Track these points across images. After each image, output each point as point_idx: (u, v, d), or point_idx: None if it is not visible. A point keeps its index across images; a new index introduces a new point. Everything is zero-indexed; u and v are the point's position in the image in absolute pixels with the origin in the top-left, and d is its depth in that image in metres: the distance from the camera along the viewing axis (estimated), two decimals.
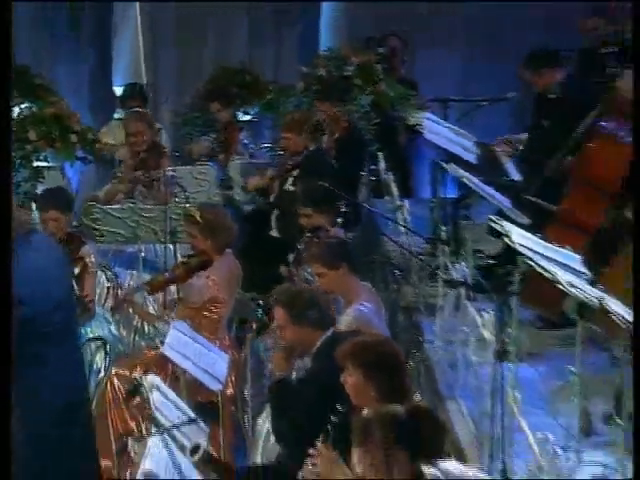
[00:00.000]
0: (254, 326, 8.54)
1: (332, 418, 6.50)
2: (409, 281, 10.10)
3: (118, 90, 14.03)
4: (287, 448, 7.38)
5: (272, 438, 7.95)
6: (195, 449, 6.54)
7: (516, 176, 10.18)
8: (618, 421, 6.80)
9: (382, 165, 11.35)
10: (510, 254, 9.13)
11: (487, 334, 7.80)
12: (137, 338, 10.09)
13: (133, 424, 8.64)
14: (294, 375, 7.68)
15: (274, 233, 10.54)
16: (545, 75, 10.36)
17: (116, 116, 13.09)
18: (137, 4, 14.41)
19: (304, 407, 7.11)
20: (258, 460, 7.92)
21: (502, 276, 8.66)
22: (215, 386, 7.68)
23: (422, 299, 9.80)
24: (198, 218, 9.21)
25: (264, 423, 8.11)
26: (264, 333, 8.79)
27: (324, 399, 6.77)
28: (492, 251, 10.11)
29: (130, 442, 7.68)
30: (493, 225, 7.52)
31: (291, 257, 9.64)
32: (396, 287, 10.26)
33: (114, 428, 8.65)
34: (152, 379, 7.46)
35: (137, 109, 11.99)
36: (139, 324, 9.91)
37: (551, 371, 8.29)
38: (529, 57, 10.61)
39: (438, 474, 5.47)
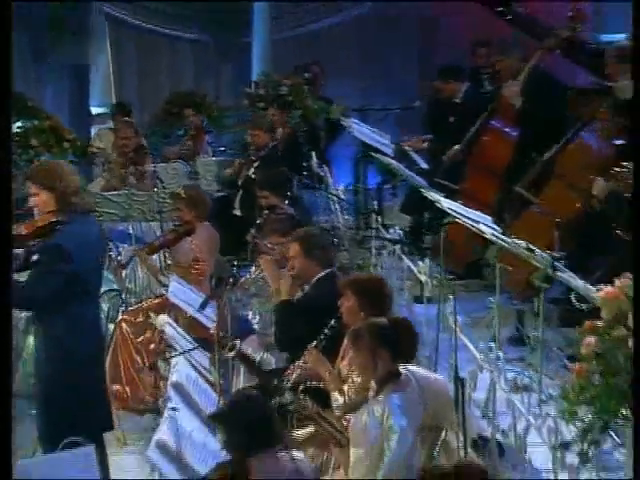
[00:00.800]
0: (230, 281, 8.80)
1: (326, 331, 6.74)
2: (341, 248, 10.16)
3: (94, 109, 14.30)
4: (289, 354, 7.49)
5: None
6: (232, 347, 6.94)
7: (424, 165, 10.35)
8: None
9: (314, 161, 11.47)
10: (426, 223, 9.66)
11: (423, 277, 8.33)
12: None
13: (138, 358, 8.81)
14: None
15: (237, 212, 10.71)
16: (451, 85, 10.75)
17: (106, 126, 13.13)
18: (108, 42, 14.55)
19: (303, 323, 7.23)
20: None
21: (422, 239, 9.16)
22: (210, 324, 7.76)
23: (354, 261, 10.07)
24: (183, 194, 9.61)
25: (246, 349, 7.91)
26: (236, 288, 9.14)
27: (320, 317, 6.92)
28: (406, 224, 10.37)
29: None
30: (427, 195, 8.19)
31: (253, 230, 9.56)
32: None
33: (123, 361, 8.80)
34: (163, 317, 7.86)
35: (126, 119, 12.19)
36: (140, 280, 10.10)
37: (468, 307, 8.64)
38: (441, 70, 11.06)
39: (408, 374, 5.95)
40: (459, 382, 5.91)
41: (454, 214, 7.67)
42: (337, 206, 10.63)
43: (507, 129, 9.46)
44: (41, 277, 6.41)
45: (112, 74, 14.61)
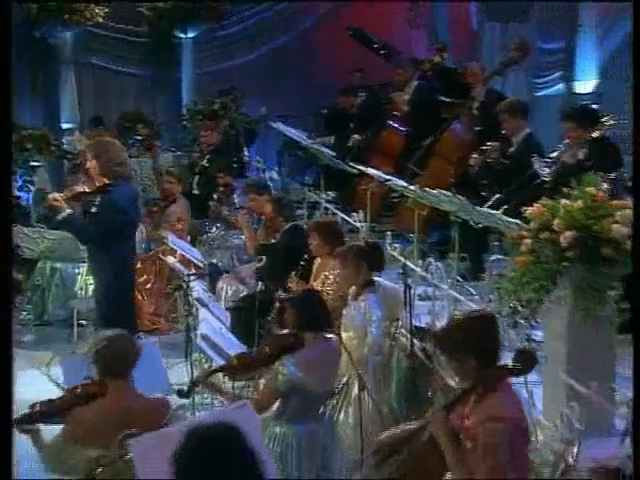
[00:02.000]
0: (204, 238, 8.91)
1: (302, 263, 6.85)
2: None
3: (63, 125, 14.14)
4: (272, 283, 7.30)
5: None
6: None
7: (332, 153, 9.93)
8: None
9: (246, 153, 11.66)
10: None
11: (358, 224, 8.33)
12: None
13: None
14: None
15: (195, 191, 10.61)
16: (350, 99, 11.07)
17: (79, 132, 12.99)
18: (73, 73, 14.36)
19: (282, 259, 7.29)
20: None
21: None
22: (201, 263, 7.97)
23: None
24: (175, 173, 9.67)
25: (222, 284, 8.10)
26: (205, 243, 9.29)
27: (290, 254, 7.10)
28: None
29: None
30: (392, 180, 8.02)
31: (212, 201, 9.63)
32: None
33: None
34: (170, 257, 7.94)
35: (102, 127, 12.11)
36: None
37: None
38: (342, 90, 11.33)
39: (378, 281, 6.22)
40: (408, 289, 6.09)
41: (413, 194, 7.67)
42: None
43: (399, 126, 9.61)
44: (99, 224, 6.56)
45: (76, 99, 14.33)
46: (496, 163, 7.92)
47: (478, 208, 6.38)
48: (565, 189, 5.05)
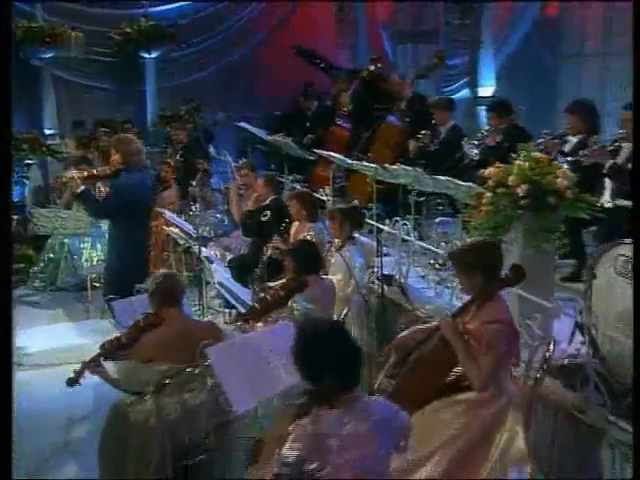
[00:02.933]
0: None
1: (283, 225, 6.85)
2: None
3: (46, 131, 13.68)
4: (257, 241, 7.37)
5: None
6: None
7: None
8: None
9: (212, 149, 11.54)
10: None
11: (325, 197, 8.21)
12: None
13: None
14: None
15: None
16: (308, 103, 10.97)
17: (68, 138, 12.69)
18: (52, 88, 14.02)
19: (268, 223, 7.24)
20: None
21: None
22: (193, 233, 7.78)
23: None
24: (171, 163, 9.55)
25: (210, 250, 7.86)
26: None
27: (278, 218, 7.04)
28: None
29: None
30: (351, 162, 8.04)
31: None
32: None
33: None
34: (172, 228, 7.80)
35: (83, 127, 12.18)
36: None
37: None
38: (304, 94, 11.06)
39: (357, 236, 6.28)
40: (379, 242, 6.13)
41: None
42: None
43: (343, 122, 9.69)
44: (110, 201, 6.57)
45: (55, 109, 13.99)
46: (428, 147, 8.12)
47: (433, 176, 6.47)
48: (513, 155, 5.21)
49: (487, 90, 10.38)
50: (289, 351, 3.10)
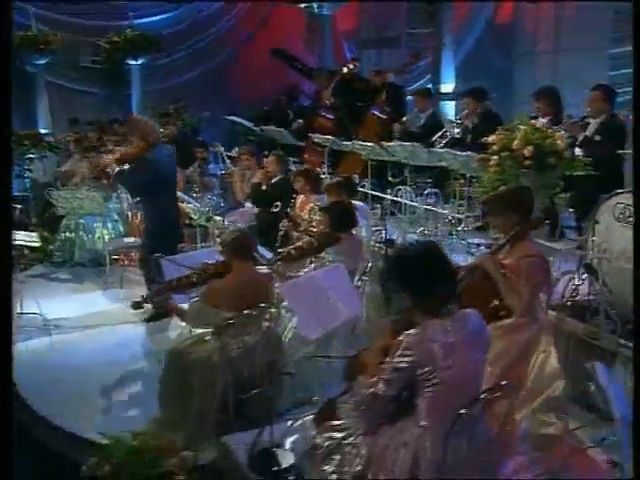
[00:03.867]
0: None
1: (292, 201, 6.63)
2: None
3: (41, 130, 13.19)
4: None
5: None
6: None
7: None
8: None
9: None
10: None
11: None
12: None
13: None
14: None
15: None
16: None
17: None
18: (46, 91, 13.63)
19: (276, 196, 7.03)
20: None
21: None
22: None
23: None
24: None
25: None
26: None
27: (288, 195, 6.78)
28: None
29: None
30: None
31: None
32: None
33: None
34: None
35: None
36: None
37: None
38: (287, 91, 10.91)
39: (356, 204, 6.16)
40: (382, 209, 6.12)
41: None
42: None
43: (327, 113, 9.56)
44: (143, 178, 6.30)
45: (48, 111, 13.60)
46: (410, 130, 8.16)
47: (430, 149, 6.49)
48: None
49: (449, 87, 10.41)
50: (344, 288, 3.12)
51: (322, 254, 5.10)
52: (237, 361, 4.29)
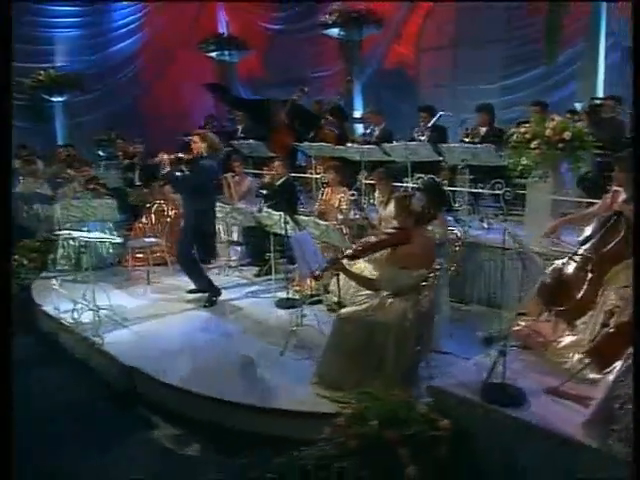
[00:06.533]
0: None
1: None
2: None
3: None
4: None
5: None
6: None
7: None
8: None
9: None
10: None
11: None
12: None
13: None
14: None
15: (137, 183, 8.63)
16: None
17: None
18: None
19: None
20: None
21: None
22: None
23: None
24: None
25: None
26: None
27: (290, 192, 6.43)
28: None
29: None
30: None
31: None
32: None
33: None
34: None
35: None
36: None
37: None
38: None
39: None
40: None
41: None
42: None
43: (286, 128, 8.65)
44: (191, 179, 5.58)
45: None
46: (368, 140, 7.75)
47: (447, 146, 6.20)
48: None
49: (358, 113, 10.18)
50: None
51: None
52: (425, 317, 3.80)
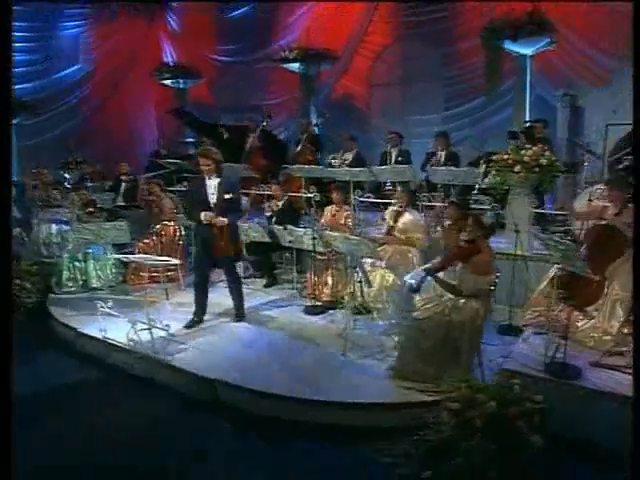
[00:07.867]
0: None
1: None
2: None
3: None
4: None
5: None
6: None
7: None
8: None
9: None
10: None
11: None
12: None
13: None
14: None
15: (121, 202, 8.52)
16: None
17: None
18: None
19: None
20: None
21: None
22: None
23: None
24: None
25: None
26: None
27: (291, 211, 6.61)
28: None
29: None
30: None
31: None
32: None
33: None
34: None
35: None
36: None
37: None
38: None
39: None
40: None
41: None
42: None
43: (259, 149, 8.59)
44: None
45: None
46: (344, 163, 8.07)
47: (433, 168, 6.63)
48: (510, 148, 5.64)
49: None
50: None
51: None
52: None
